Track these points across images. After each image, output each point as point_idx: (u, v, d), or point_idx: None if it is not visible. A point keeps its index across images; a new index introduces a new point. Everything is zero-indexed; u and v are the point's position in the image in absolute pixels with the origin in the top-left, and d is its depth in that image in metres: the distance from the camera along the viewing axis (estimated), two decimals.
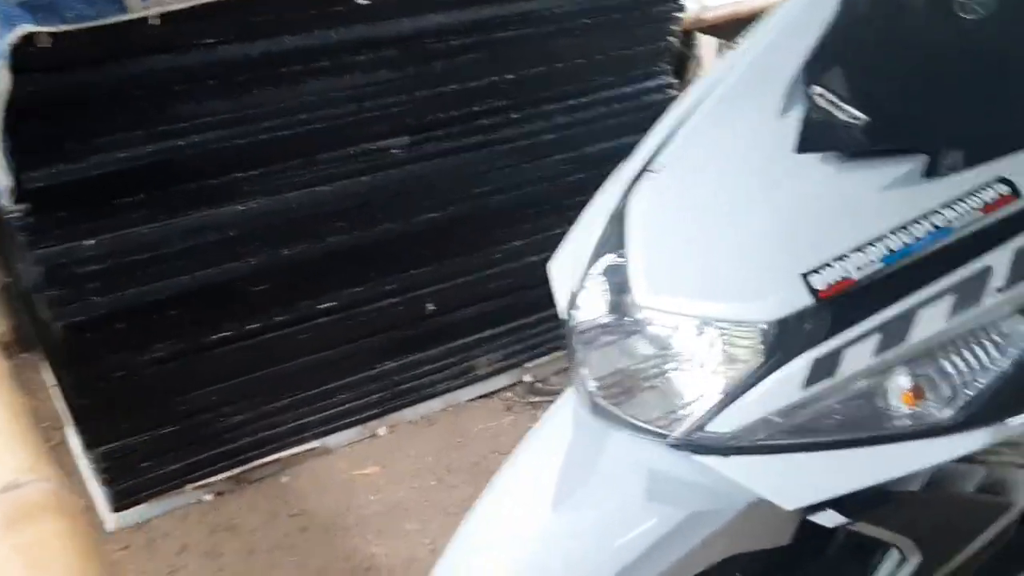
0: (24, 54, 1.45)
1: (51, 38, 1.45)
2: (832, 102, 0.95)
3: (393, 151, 1.92)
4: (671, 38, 2.23)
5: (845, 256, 0.87)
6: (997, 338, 0.90)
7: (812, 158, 0.93)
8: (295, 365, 2.02)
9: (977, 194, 0.88)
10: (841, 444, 0.91)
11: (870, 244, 0.87)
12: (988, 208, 0.87)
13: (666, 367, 1.00)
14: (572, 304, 1.05)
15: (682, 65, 2.64)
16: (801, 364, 0.87)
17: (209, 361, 1.91)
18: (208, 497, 2.05)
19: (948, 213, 0.88)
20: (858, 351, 0.87)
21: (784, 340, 0.88)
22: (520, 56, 2.00)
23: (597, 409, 1.00)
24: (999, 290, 0.87)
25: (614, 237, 1.02)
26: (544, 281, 1.11)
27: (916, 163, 0.91)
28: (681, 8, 2.20)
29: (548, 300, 1.09)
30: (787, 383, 0.87)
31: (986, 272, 0.87)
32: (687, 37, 2.68)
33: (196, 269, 1.80)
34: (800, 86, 0.98)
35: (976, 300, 0.87)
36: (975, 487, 1.09)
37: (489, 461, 2.09)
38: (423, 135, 1.95)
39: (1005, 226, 0.87)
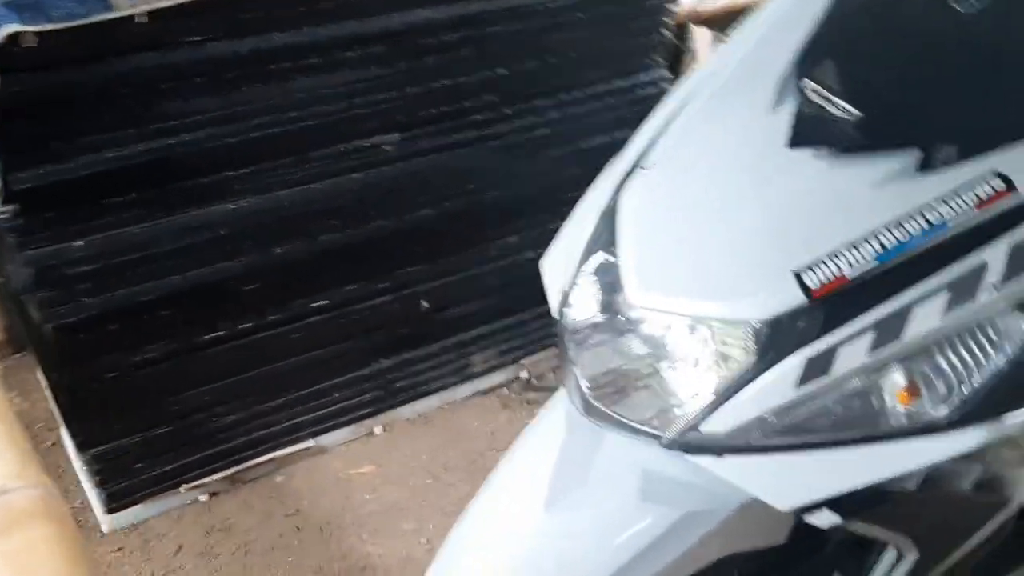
0: (10, 54, 1.43)
1: (37, 37, 1.44)
2: (824, 96, 0.93)
3: (385, 148, 1.91)
4: (664, 31, 2.21)
5: (838, 253, 0.86)
6: (993, 335, 0.88)
7: (804, 153, 0.92)
8: (289, 364, 2.01)
9: (972, 189, 0.86)
10: (836, 443, 0.90)
11: (863, 241, 0.86)
12: (983, 203, 0.86)
13: (659, 366, 0.98)
14: (564, 303, 1.04)
15: (676, 58, 2.63)
16: (794, 363, 0.86)
17: (202, 361, 1.90)
18: (203, 497, 2.04)
19: (942, 208, 0.86)
20: (852, 349, 0.85)
21: (777, 339, 0.87)
22: (512, 51, 1.99)
23: (590, 409, 0.99)
24: (995, 286, 0.85)
25: (605, 235, 1.01)
26: (539, 276, 1.10)
27: (909, 157, 0.90)
28: (674, 0, 2.19)
29: (543, 296, 1.08)
30: (780, 382, 0.86)
31: (981, 268, 0.85)
32: (681, 29, 2.66)
33: (187, 269, 1.79)
34: (792, 80, 0.97)
35: (971, 297, 0.85)
36: (971, 484, 1.08)
37: (486, 458, 2.08)
38: (414, 131, 1.94)
39: (1000, 221, 0.86)
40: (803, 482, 0.91)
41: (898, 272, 0.86)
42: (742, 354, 0.89)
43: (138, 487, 1.97)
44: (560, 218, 1.11)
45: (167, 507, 2.01)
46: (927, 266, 0.86)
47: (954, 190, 0.87)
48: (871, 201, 0.89)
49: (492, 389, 2.31)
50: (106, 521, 1.97)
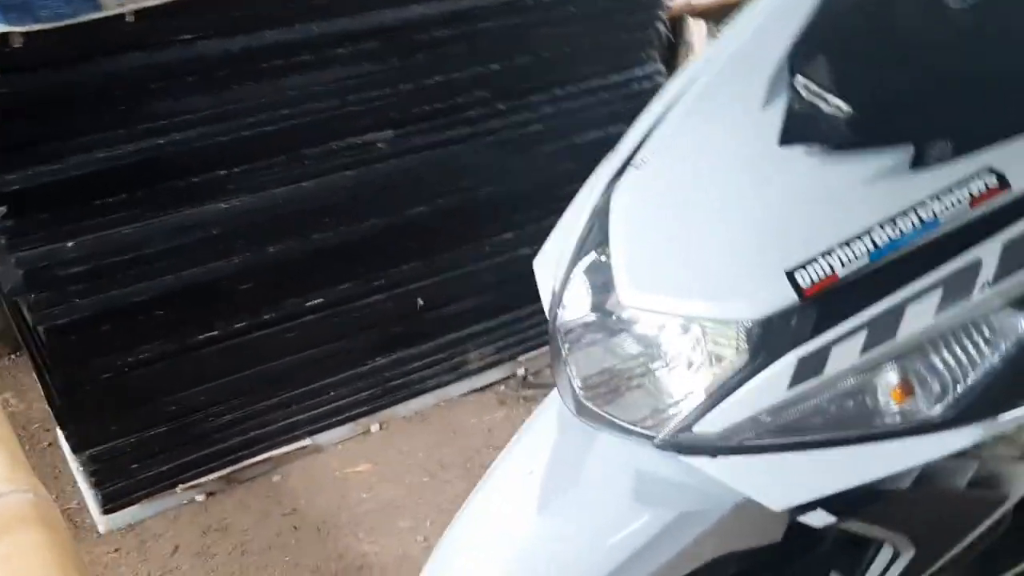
0: None
1: (23, 38, 1.43)
2: (816, 92, 0.92)
3: (378, 145, 1.90)
4: (659, 24, 2.20)
5: (830, 252, 0.85)
6: (987, 332, 0.87)
7: (796, 151, 0.91)
8: (284, 363, 2.01)
9: (965, 185, 0.85)
10: (830, 443, 0.89)
11: (856, 239, 0.85)
12: (976, 200, 0.85)
13: (653, 366, 0.98)
14: (557, 303, 1.03)
15: (672, 52, 2.62)
16: (787, 363, 0.85)
17: (196, 361, 1.90)
18: (199, 497, 2.03)
19: (935, 205, 0.85)
20: (845, 349, 0.84)
21: (769, 339, 0.86)
22: (505, 46, 1.98)
23: (582, 410, 0.98)
24: (989, 284, 0.84)
25: (598, 234, 1.00)
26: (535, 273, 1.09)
27: (903, 154, 0.88)
28: None
29: (539, 293, 1.07)
30: (773, 383, 0.85)
31: (975, 266, 0.84)
32: (678, 22, 2.65)
33: (180, 269, 1.79)
34: (784, 76, 0.95)
35: (966, 294, 0.84)
36: (967, 481, 1.07)
37: (482, 456, 2.07)
38: (408, 128, 1.93)
39: (994, 218, 0.85)
40: (796, 482, 0.90)
41: (891, 270, 0.85)
42: (734, 354, 0.88)
43: (134, 487, 1.97)
44: (555, 214, 1.10)
45: (163, 507, 2.01)
46: (920, 264, 0.85)
47: (947, 187, 0.86)
48: (864, 198, 0.87)
49: (489, 386, 2.31)
50: (102, 522, 1.97)
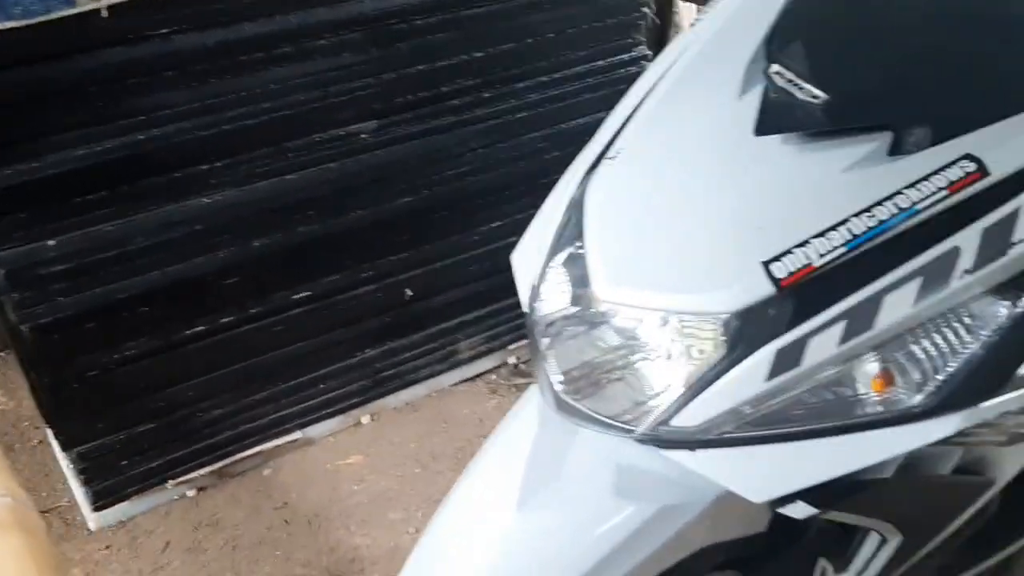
0: None
1: None
2: (791, 80, 0.91)
3: (362, 136, 1.89)
4: (645, 9, 2.18)
5: (807, 242, 0.84)
6: (967, 320, 0.86)
7: (772, 140, 0.90)
8: (272, 357, 2.00)
9: (942, 172, 0.84)
10: (810, 434, 0.89)
11: (832, 228, 0.84)
12: (954, 187, 0.84)
13: (633, 358, 0.97)
14: (535, 297, 1.02)
15: (662, 35, 2.59)
16: (764, 355, 0.84)
17: (184, 357, 1.88)
18: (190, 492, 2.03)
19: (912, 193, 0.84)
20: (823, 340, 0.84)
21: (746, 331, 0.85)
22: (489, 33, 1.96)
23: (562, 405, 0.98)
24: (968, 271, 0.83)
25: (574, 227, 0.99)
26: None
27: (880, 141, 0.87)
28: None
29: None
30: (750, 375, 0.84)
31: (954, 254, 0.83)
32: (668, 5, 2.62)
33: (165, 265, 1.77)
34: (759, 65, 0.94)
35: (944, 283, 0.83)
36: (952, 468, 1.06)
37: (474, 445, 2.07)
38: (392, 118, 1.91)
39: (972, 205, 0.84)
40: (777, 474, 0.89)
41: (869, 259, 0.84)
42: (712, 347, 0.87)
43: (124, 484, 1.96)
44: (543, 202, 1.08)
45: (154, 503, 2.01)
46: (898, 252, 0.84)
47: (925, 174, 0.85)
48: (841, 187, 0.86)
49: (480, 375, 2.30)
50: (93, 519, 1.96)
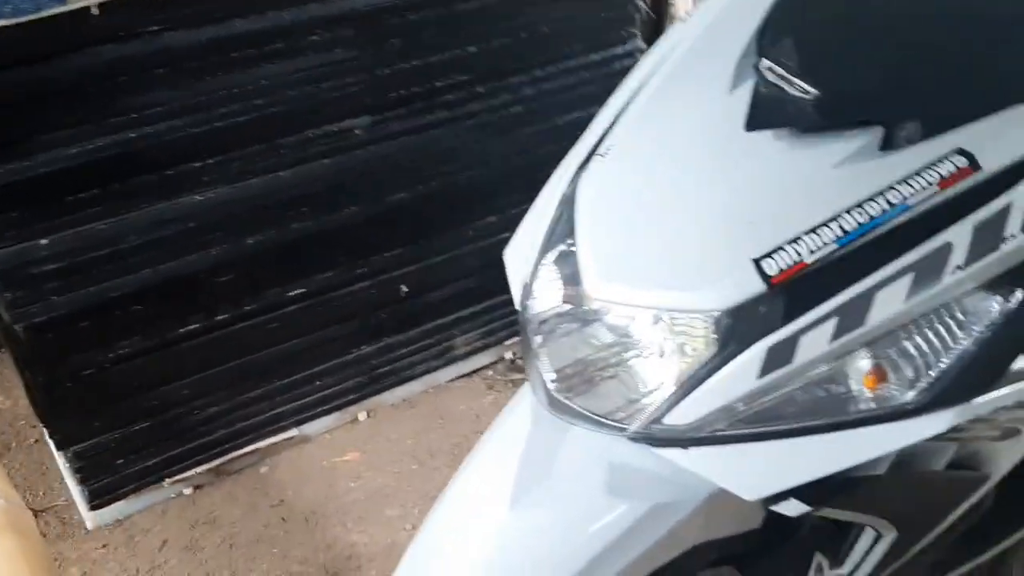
0: None
1: None
2: (782, 76, 0.90)
3: (355, 132, 1.88)
4: (640, 1, 2.17)
5: (798, 238, 0.83)
6: (960, 316, 0.86)
7: (763, 136, 0.89)
8: (268, 354, 1.99)
9: (934, 168, 0.84)
10: (803, 431, 0.88)
11: (824, 225, 0.83)
12: (945, 182, 0.83)
13: (627, 355, 0.96)
14: (527, 294, 1.02)
15: (658, 28, 2.58)
16: (756, 353, 0.83)
17: (178, 355, 1.88)
18: (187, 491, 2.03)
19: (904, 189, 0.83)
20: (815, 337, 0.83)
21: (738, 328, 0.84)
22: (482, 27, 1.95)
23: (554, 403, 0.97)
24: (960, 267, 0.83)
25: (566, 224, 0.98)
26: None
27: (872, 136, 0.87)
28: None
29: None
30: (742, 373, 0.84)
31: (946, 249, 0.83)
32: None
33: (158, 263, 1.76)
34: (750, 60, 0.93)
35: (936, 279, 0.83)
36: (947, 463, 1.06)
37: (471, 442, 2.05)
38: (385, 114, 1.90)
39: (964, 200, 0.83)
40: (770, 471, 0.89)
41: (860, 255, 0.83)
42: (703, 345, 0.86)
43: (121, 483, 1.96)
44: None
45: (151, 502, 2.01)
46: (890, 248, 0.83)
47: (917, 169, 0.84)
48: (832, 183, 0.86)
49: (476, 371, 2.30)
50: (90, 518, 1.96)
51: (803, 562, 1.17)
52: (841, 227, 0.83)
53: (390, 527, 1.89)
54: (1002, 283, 0.85)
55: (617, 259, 0.90)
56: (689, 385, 0.87)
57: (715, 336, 0.85)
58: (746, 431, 0.88)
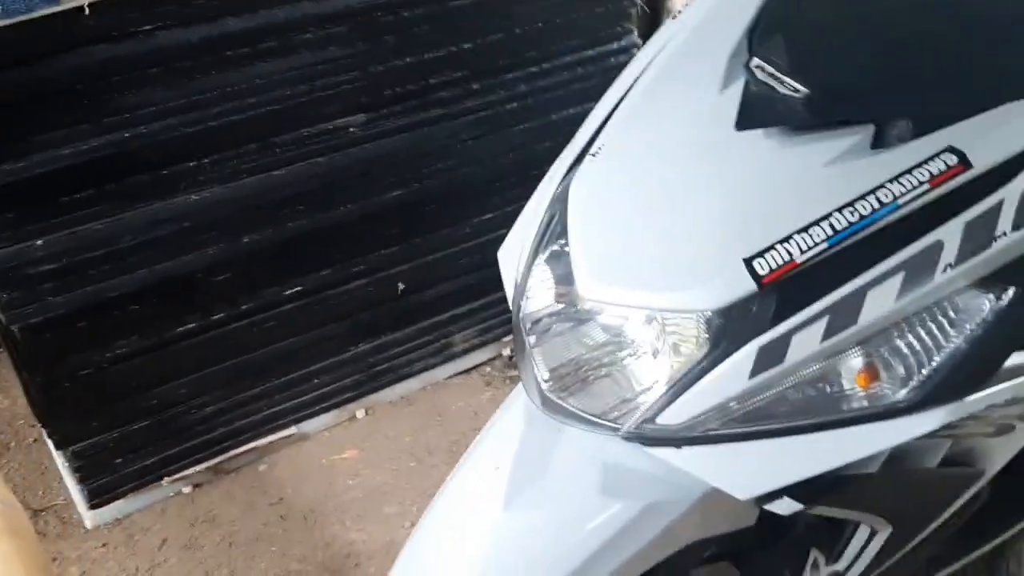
0: None
1: None
2: (772, 74, 0.90)
3: (350, 130, 1.87)
4: None
5: (789, 238, 0.83)
6: (952, 314, 0.86)
7: (754, 135, 0.89)
8: (265, 353, 1.99)
9: (925, 166, 0.84)
10: (795, 430, 0.89)
11: (814, 224, 0.83)
12: (936, 180, 0.83)
13: (620, 355, 0.97)
14: (520, 294, 1.02)
15: (655, 24, 2.57)
16: (747, 353, 0.84)
17: (176, 354, 1.88)
18: (186, 489, 2.03)
19: (894, 187, 0.83)
20: (806, 336, 0.83)
21: (730, 328, 0.85)
22: (477, 24, 1.94)
23: (547, 403, 0.97)
24: (951, 265, 0.83)
25: (558, 224, 0.98)
26: None
27: (862, 135, 0.87)
28: None
29: None
30: (734, 373, 0.84)
31: (937, 247, 0.83)
32: None
33: (154, 263, 1.76)
34: (740, 59, 0.93)
35: (927, 277, 0.83)
36: (941, 459, 1.06)
37: (469, 439, 2.03)
38: (380, 111, 1.89)
39: (955, 198, 0.83)
40: (762, 470, 0.89)
41: (851, 255, 0.84)
42: (695, 345, 0.87)
43: (120, 482, 1.96)
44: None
45: (150, 500, 2.01)
46: (881, 247, 0.84)
47: (908, 168, 0.84)
48: (823, 181, 0.86)
49: (474, 368, 2.29)
50: (89, 517, 1.97)
51: (799, 558, 1.18)
52: (832, 226, 0.83)
53: (388, 525, 1.90)
54: (993, 281, 0.85)
55: (609, 259, 0.90)
56: (682, 385, 0.88)
57: (707, 336, 0.86)
58: (739, 430, 0.89)
